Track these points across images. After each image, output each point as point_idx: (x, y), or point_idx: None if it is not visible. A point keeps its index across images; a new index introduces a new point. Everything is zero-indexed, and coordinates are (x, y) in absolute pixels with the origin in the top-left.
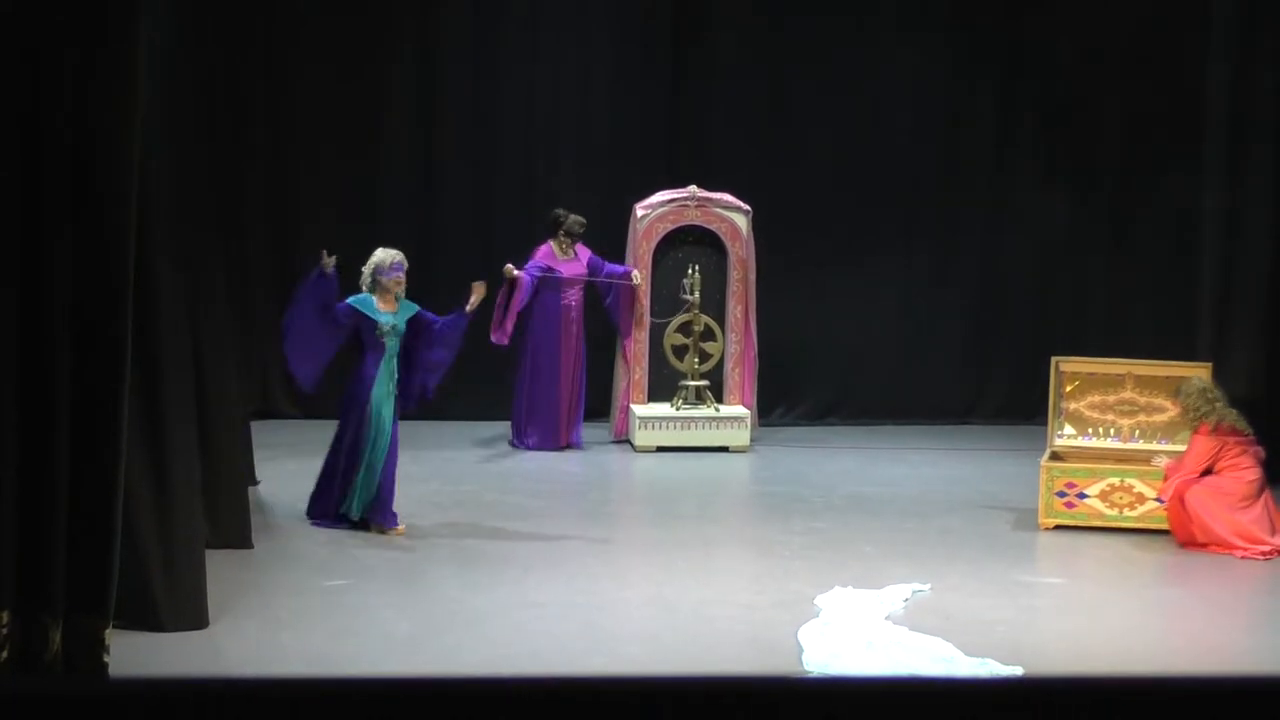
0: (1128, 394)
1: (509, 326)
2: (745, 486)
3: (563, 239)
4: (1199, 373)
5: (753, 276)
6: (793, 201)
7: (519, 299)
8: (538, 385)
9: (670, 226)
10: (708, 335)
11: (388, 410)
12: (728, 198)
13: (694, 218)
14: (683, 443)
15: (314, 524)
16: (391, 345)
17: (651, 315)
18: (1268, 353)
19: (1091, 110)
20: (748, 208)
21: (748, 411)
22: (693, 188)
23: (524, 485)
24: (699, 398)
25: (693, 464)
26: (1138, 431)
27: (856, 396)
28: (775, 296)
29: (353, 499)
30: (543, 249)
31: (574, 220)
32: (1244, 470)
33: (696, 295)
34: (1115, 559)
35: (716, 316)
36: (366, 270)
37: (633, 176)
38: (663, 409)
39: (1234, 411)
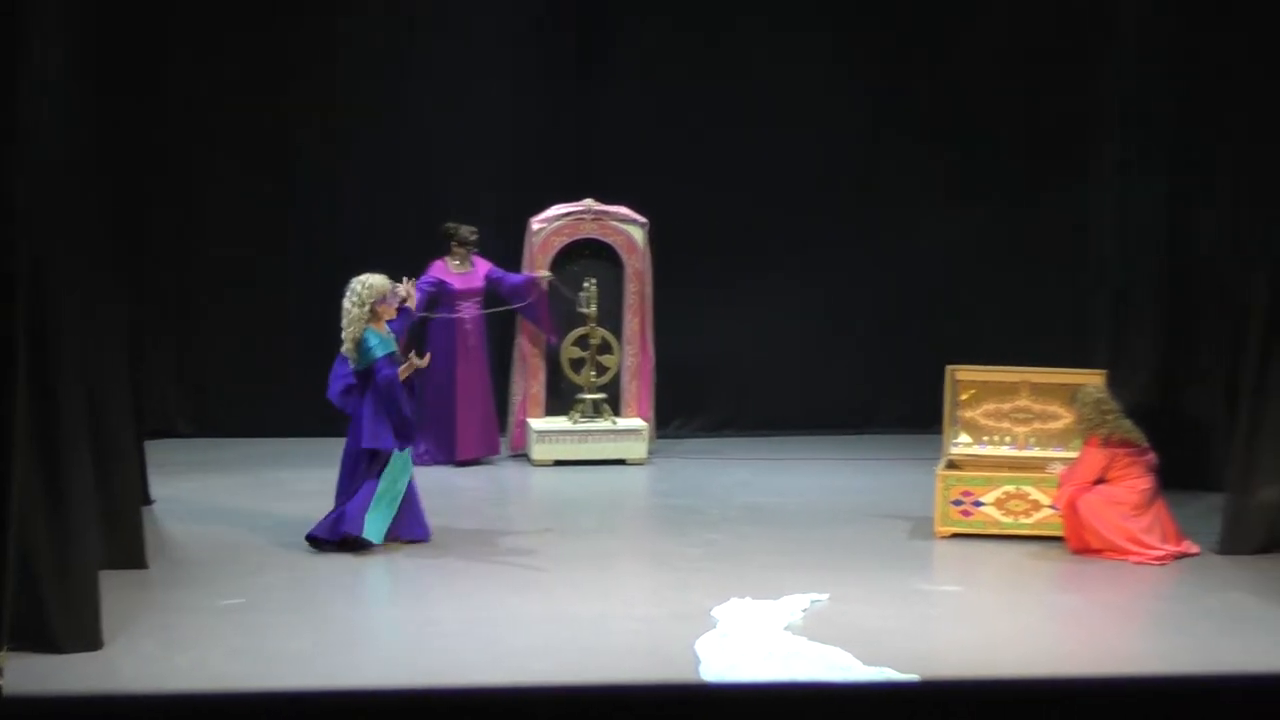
0: (1023, 402)
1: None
2: (643, 499)
3: (456, 251)
4: (1094, 380)
5: (649, 289)
6: (689, 213)
7: (409, 317)
8: (430, 399)
9: (566, 240)
10: (605, 348)
11: None
12: (624, 210)
13: (590, 231)
14: (580, 456)
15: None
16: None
17: (549, 337)
18: (1161, 360)
19: (988, 117)
20: (644, 220)
21: (645, 424)
22: (589, 201)
23: (423, 502)
24: (596, 411)
25: (590, 477)
26: (1033, 439)
27: (754, 408)
28: (672, 308)
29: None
30: (436, 265)
31: (465, 230)
32: (1135, 480)
33: (593, 308)
34: (1011, 566)
35: (613, 329)
36: (362, 299)
37: (529, 190)
38: (560, 422)
39: (1127, 423)
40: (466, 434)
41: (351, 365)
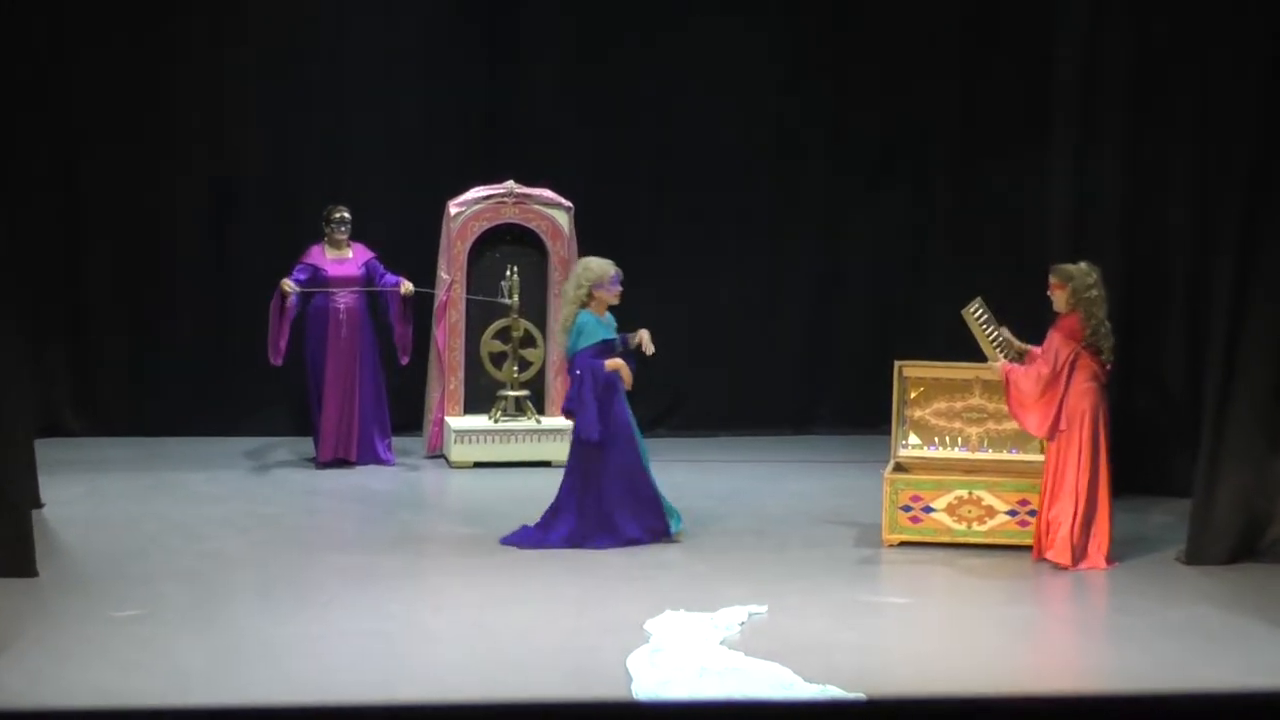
0: (975, 400)
1: (282, 344)
2: None
3: (326, 233)
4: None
5: None
6: (618, 197)
7: (288, 311)
8: (317, 396)
9: (486, 225)
10: (528, 341)
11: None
12: (547, 193)
13: (512, 215)
14: (502, 457)
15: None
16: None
17: (466, 320)
18: (1119, 357)
19: (928, 102)
20: (569, 204)
21: (570, 424)
22: (510, 183)
23: (329, 505)
24: (519, 409)
25: (513, 480)
26: (986, 440)
27: (687, 405)
28: None
29: (671, 515)
30: (313, 249)
31: (336, 212)
32: (1082, 385)
33: (516, 298)
34: (964, 576)
35: (537, 321)
36: (579, 282)
37: (445, 172)
38: (480, 421)
39: (1108, 326)
40: (328, 432)
41: (564, 349)
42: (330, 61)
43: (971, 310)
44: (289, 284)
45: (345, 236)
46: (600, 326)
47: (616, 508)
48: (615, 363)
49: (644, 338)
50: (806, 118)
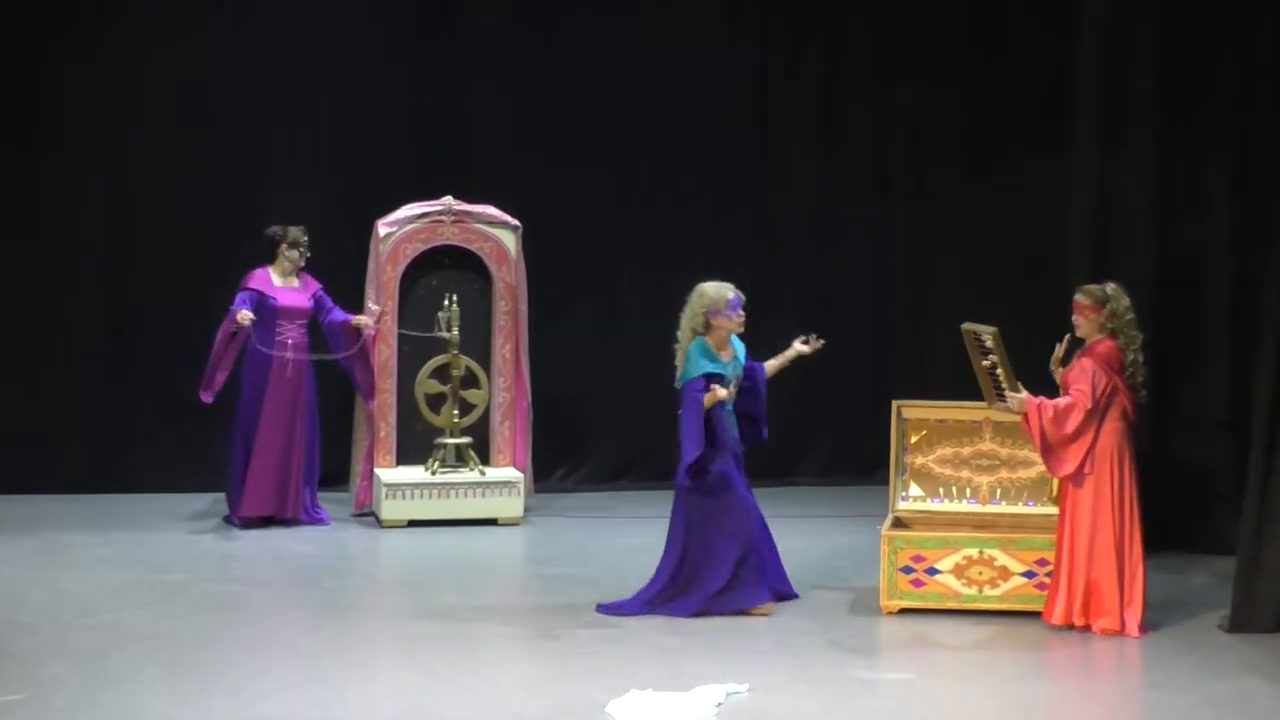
0: (986, 444)
1: (220, 380)
2: (519, 568)
3: (284, 257)
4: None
5: (524, 307)
6: (573, 215)
7: (235, 345)
8: (249, 445)
9: (422, 247)
10: (469, 381)
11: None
12: (491, 211)
13: (450, 236)
14: (441, 515)
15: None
16: (730, 401)
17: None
18: (1154, 396)
19: (932, 103)
20: (516, 223)
21: (521, 475)
22: (448, 199)
23: (245, 571)
24: (460, 458)
25: (454, 541)
26: (999, 491)
27: (655, 454)
28: (553, 332)
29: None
30: (257, 274)
31: (295, 231)
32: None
33: (455, 332)
34: (975, 649)
35: (480, 358)
36: (694, 310)
37: (374, 187)
38: (415, 474)
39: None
40: (256, 485)
41: (676, 381)
42: (240, 63)
43: (981, 337)
44: (248, 314)
45: (303, 263)
46: (707, 358)
47: (715, 565)
48: (713, 395)
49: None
50: (793, 119)
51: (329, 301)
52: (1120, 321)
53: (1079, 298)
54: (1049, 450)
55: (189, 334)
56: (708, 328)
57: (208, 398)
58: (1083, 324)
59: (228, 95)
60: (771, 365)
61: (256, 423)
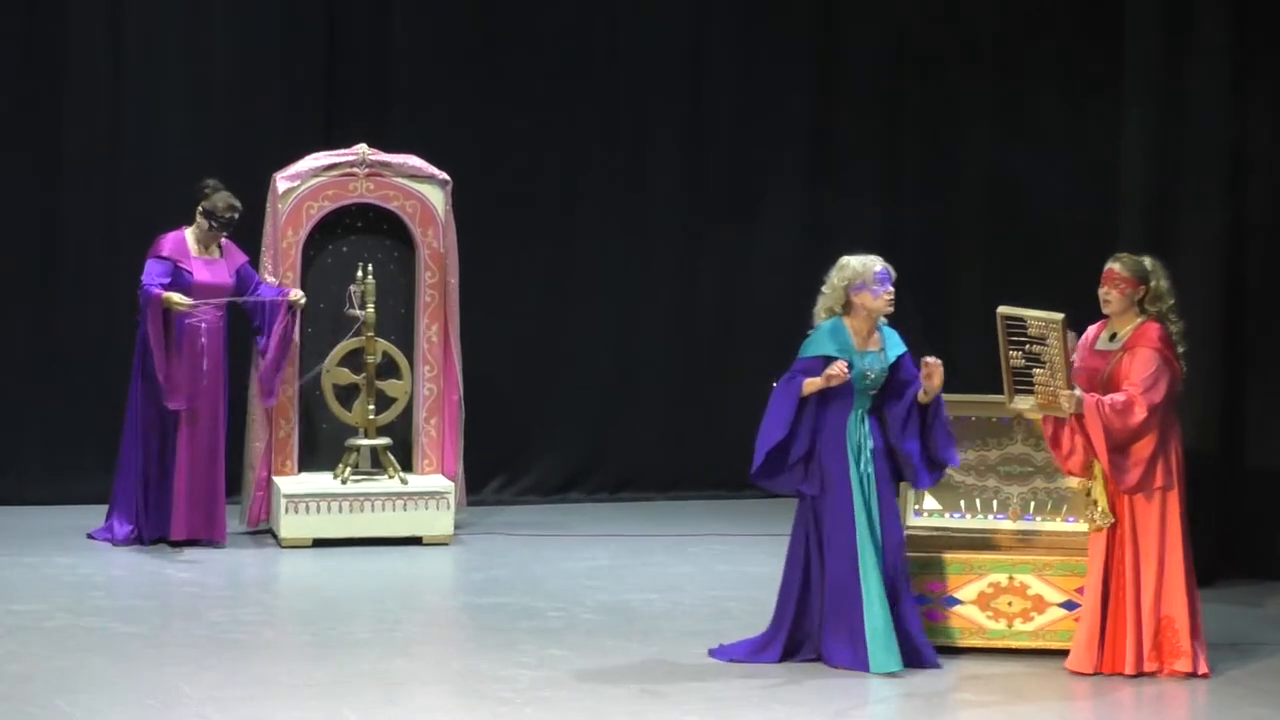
0: (1018, 448)
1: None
2: (448, 597)
3: (204, 225)
4: None
5: (454, 280)
6: (512, 166)
7: (155, 326)
8: (143, 447)
9: (330, 206)
10: (389, 370)
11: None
12: (413, 161)
13: (364, 192)
14: (353, 532)
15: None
16: (863, 400)
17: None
18: (1221, 394)
19: (943, 46)
20: (445, 176)
21: (451, 484)
22: (361, 147)
23: (111, 602)
24: (376, 464)
25: (369, 564)
26: (1033, 504)
27: (612, 460)
28: (490, 310)
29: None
30: (170, 238)
31: (220, 199)
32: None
33: (370, 310)
34: (1001, 693)
35: (402, 342)
36: (833, 284)
37: (271, 134)
38: (322, 481)
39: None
40: (188, 501)
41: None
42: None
43: (1024, 322)
44: (180, 298)
45: (227, 233)
46: (835, 342)
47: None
48: (815, 382)
49: (931, 372)
50: (782, 53)
51: (255, 275)
52: (1164, 305)
53: (1114, 266)
54: (1119, 454)
55: (49, 307)
56: (848, 308)
57: (179, 403)
58: (1114, 299)
59: (109, 34)
60: (920, 398)
61: (174, 426)
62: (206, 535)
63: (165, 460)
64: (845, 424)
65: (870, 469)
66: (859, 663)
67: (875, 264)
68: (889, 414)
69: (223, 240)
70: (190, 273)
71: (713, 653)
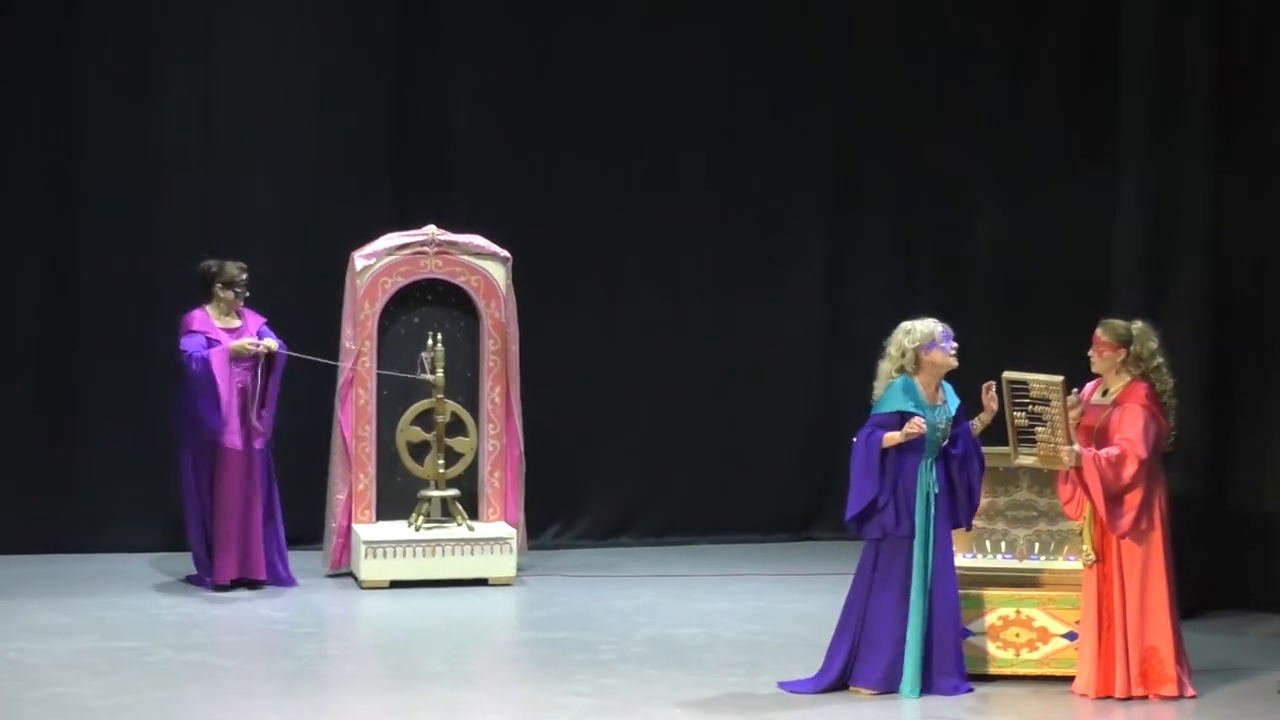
0: (1023, 494)
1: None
2: (511, 632)
3: (220, 297)
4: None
5: (515, 347)
6: (567, 245)
7: (221, 375)
8: (205, 500)
9: (402, 281)
10: (456, 428)
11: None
12: (477, 240)
13: (434, 268)
14: (425, 574)
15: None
16: (933, 450)
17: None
18: (1207, 429)
19: (952, 112)
20: (506, 254)
21: (513, 530)
22: (430, 228)
23: (208, 639)
24: (446, 513)
25: (439, 603)
26: (1037, 545)
27: (659, 507)
28: (546, 373)
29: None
30: (195, 315)
31: (231, 267)
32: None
33: (439, 374)
34: (1010, 714)
35: (468, 402)
36: (902, 347)
37: (348, 216)
38: (397, 529)
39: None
40: (225, 547)
41: None
42: (198, 72)
43: (1027, 386)
44: (249, 341)
45: (240, 303)
46: (906, 395)
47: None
48: (894, 436)
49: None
50: (807, 142)
51: (270, 335)
52: (1148, 365)
53: (1099, 332)
54: (1114, 502)
55: (144, 379)
56: (918, 366)
57: (236, 441)
58: (1098, 361)
59: (185, 117)
60: (975, 426)
61: (213, 480)
62: (251, 574)
63: (218, 511)
64: (917, 471)
65: (934, 510)
66: (891, 685)
67: (938, 326)
68: (953, 454)
69: (242, 308)
70: (219, 342)
71: (780, 685)
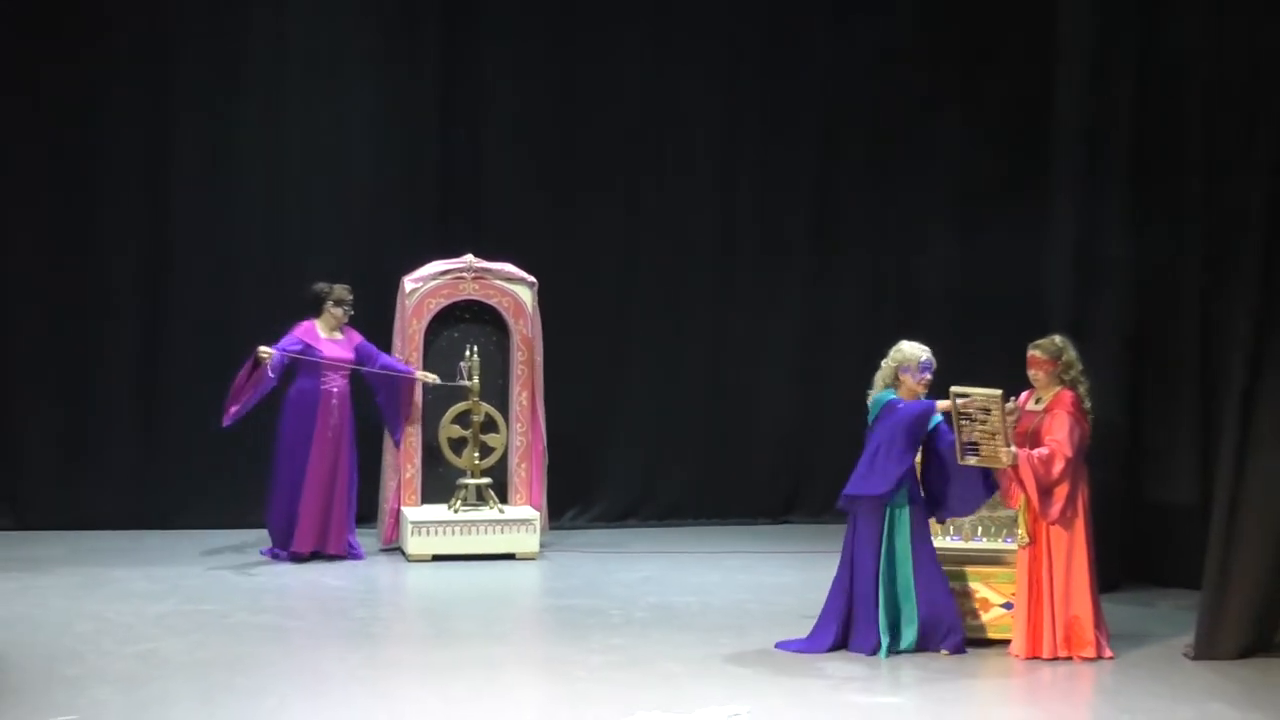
0: None
1: (235, 409)
2: (534, 599)
3: (330, 314)
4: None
5: (539, 358)
6: (583, 271)
7: (261, 383)
8: (291, 484)
9: (444, 302)
10: (489, 426)
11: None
12: (508, 268)
13: (471, 291)
14: (462, 550)
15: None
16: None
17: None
18: (1125, 433)
19: (922, 135)
20: (532, 279)
21: (536, 513)
22: (468, 257)
23: (278, 603)
24: (480, 498)
25: (474, 574)
26: (980, 528)
27: (660, 494)
28: (566, 380)
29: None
30: (304, 325)
31: (340, 289)
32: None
33: (475, 380)
34: (957, 673)
35: (499, 404)
36: (892, 360)
37: (398, 245)
38: (438, 511)
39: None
40: (307, 523)
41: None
42: (272, 125)
43: (970, 398)
44: (268, 350)
45: (347, 320)
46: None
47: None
48: (945, 404)
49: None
50: (791, 171)
51: (373, 349)
52: (1074, 371)
53: (1034, 353)
54: (1045, 494)
55: (224, 376)
56: (896, 383)
57: (227, 420)
58: (1041, 378)
59: (263, 162)
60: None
61: (305, 464)
62: (322, 548)
63: (295, 494)
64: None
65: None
66: (873, 649)
67: (922, 354)
68: (938, 448)
69: (343, 326)
70: (320, 351)
71: (778, 645)
